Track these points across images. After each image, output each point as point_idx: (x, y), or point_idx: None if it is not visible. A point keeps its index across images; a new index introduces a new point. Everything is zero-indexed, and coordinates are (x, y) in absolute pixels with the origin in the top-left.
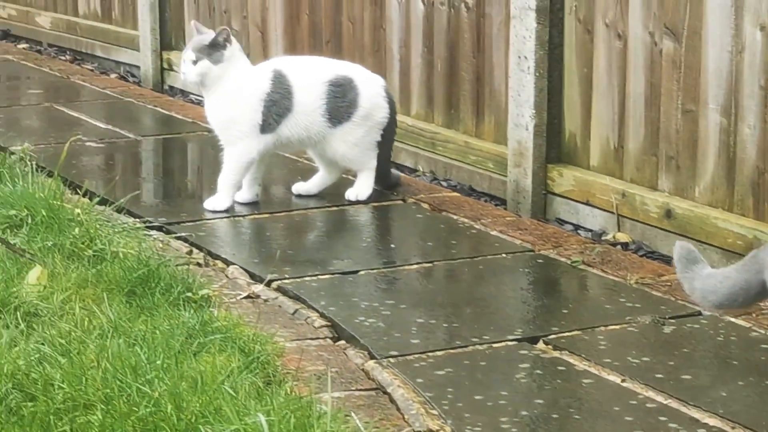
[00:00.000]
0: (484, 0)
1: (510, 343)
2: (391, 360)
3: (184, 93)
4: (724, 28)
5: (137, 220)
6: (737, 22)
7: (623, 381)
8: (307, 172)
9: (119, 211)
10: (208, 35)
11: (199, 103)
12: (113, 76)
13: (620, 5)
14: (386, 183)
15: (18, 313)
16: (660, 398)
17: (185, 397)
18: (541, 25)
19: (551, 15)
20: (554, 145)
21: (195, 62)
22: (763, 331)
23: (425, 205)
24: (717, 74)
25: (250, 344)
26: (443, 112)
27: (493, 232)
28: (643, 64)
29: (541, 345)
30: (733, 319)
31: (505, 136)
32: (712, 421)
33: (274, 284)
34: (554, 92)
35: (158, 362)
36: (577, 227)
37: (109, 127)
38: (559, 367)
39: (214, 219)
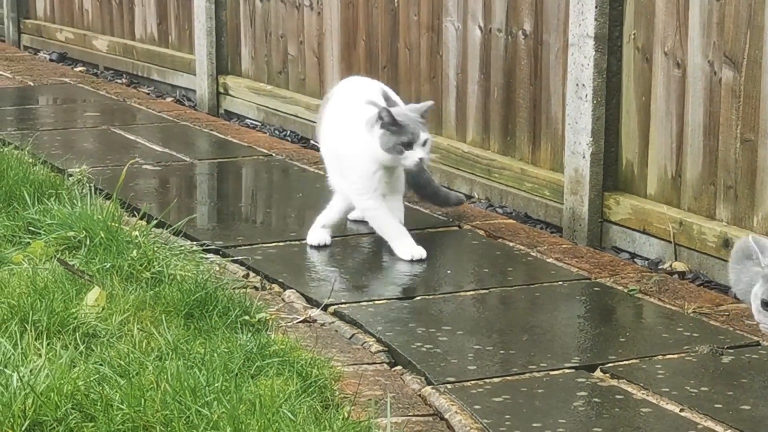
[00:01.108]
0: (542, 27)
1: (567, 370)
2: (448, 386)
3: (240, 117)
4: None
5: (194, 243)
6: None
7: (682, 410)
8: None
9: (176, 234)
10: (413, 110)
11: (255, 128)
12: (169, 99)
13: (679, 34)
14: (438, 201)
15: (77, 334)
16: (720, 428)
17: (244, 419)
18: (599, 53)
19: (610, 43)
20: (611, 173)
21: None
22: None
23: (481, 232)
24: None
25: (307, 368)
26: (499, 139)
27: (549, 260)
28: (701, 93)
29: (598, 373)
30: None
31: (561, 163)
32: None
33: (331, 309)
34: (611, 120)
35: (217, 385)
36: (633, 255)
37: (165, 150)
38: (617, 396)
39: (269, 243)
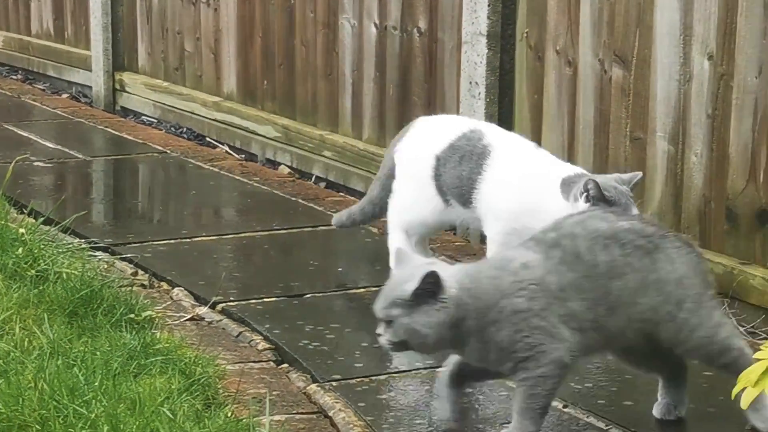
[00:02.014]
0: (436, 25)
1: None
2: (334, 383)
3: (136, 114)
4: (672, 57)
5: (83, 240)
6: (685, 50)
7: (565, 407)
8: (257, 194)
9: (65, 231)
10: (620, 181)
11: (151, 125)
12: (65, 96)
13: (571, 33)
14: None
15: None
16: (601, 424)
17: (122, 418)
18: (492, 51)
19: (503, 41)
20: None
21: None
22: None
23: (374, 230)
24: (665, 102)
25: (191, 366)
26: (395, 136)
27: (441, 258)
28: (592, 91)
29: None
30: None
31: None
32: None
33: (219, 306)
34: (505, 118)
35: (96, 384)
36: None
37: (59, 147)
38: (501, 392)
39: (160, 241)
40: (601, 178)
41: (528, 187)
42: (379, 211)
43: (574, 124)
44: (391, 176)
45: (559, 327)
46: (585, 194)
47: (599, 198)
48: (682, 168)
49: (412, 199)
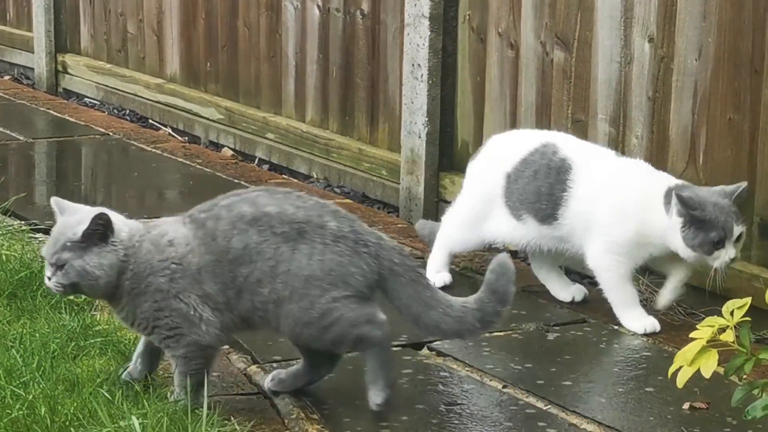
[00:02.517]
0: (379, 7)
1: (395, 348)
2: (274, 365)
3: (79, 96)
4: (613, 40)
5: (23, 222)
6: (626, 33)
7: (504, 387)
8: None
9: (5, 213)
10: (723, 194)
11: (93, 107)
12: (7, 78)
13: (513, 15)
14: None
15: None
16: (540, 404)
17: (60, 399)
18: (434, 33)
19: (445, 23)
20: (447, 153)
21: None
22: (644, 339)
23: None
24: (606, 85)
25: (131, 348)
26: (338, 119)
27: None
28: (534, 73)
29: (425, 351)
30: (616, 327)
31: (399, 143)
32: (591, 427)
33: None
34: (447, 100)
35: (34, 365)
36: None
37: (0, 129)
38: (442, 373)
39: None
40: (703, 191)
41: (631, 202)
42: None
43: (516, 106)
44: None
45: (200, 308)
46: (680, 209)
47: (687, 213)
48: (623, 150)
49: (473, 216)
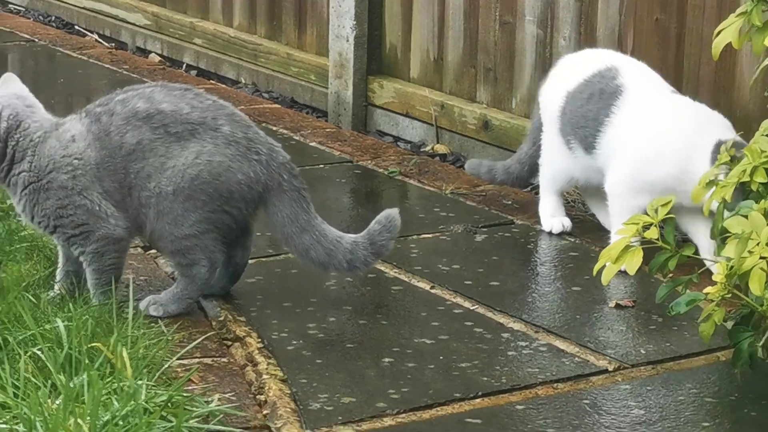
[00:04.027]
0: None
1: None
2: None
3: (3, 3)
4: None
5: None
6: None
7: (432, 287)
8: None
9: None
10: None
11: (18, 13)
12: None
13: None
14: None
15: None
16: (468, 304)
17: None
18: None
19: None
20: (375, 57)
21: None
22: (572, 240)
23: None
24: None
25: (56, 252)
26: (266, 24)
27: (312, 143)
28: None
29: None
30: (543, 228)
31: (327, 47)
32: (517, 326)
33: None
34: (375, 4)
35: None
36: (397, 139)
37: None
38: (370, 275)
39: None
40: None
41: (669, 143)
42: (527, 173)
43: (444, 8)
44: (541, 129)
45: (103, 204)
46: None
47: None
48: (551, 52)
49: (548, 149)
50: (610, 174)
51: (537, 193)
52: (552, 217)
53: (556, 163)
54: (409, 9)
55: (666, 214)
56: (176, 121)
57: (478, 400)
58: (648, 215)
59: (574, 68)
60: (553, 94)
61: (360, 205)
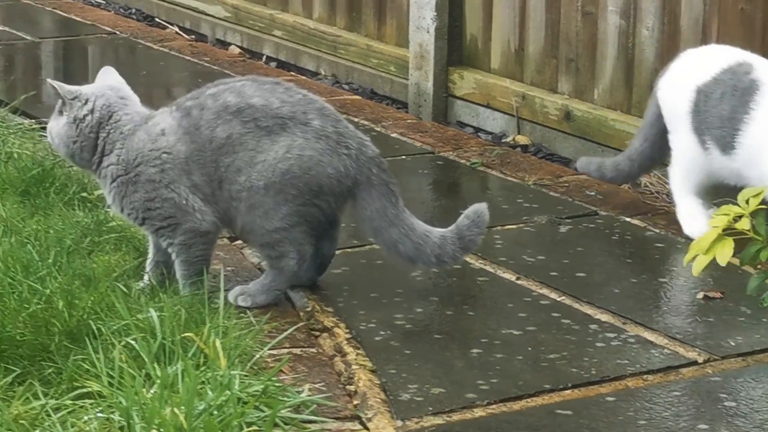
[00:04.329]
0: None
1: None
2: None
3: None
4: None
5: (33, 121)
6: None
7: (518, 279)
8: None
9: (14, 112)
10: None
11: (99, 6)
12: None
13: None
14: None
15: None
16: (554, 295)
17: (77, 294)
18: None
19: None
20: (455, 48)
21: None
22: (657, 231)
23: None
24: None
25: (145, 243)
26: (345, 15)
27: (394, 135)
28: None
29: None
30: (628, 219)
31: (407, 39)
32: (605, 317)
33: None
34: None
35: (50, 260)
36: (477, 130)
37: (7, 29)
38: (456, 266)
39: None
40: None
41: None
42: (638, 170)
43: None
44: (655, 125)
45: (190, 197)
46: None
47: None
48: (634, 42)
49: (679, 149)
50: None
51: (620, 184)
52: (694, 219)
53: (689, 164)
54: (490, 0)
55: (757, 205)
56: (266, 116)
57: (567, 392)
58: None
59: (701, 63)
60: (678, 89)
61: (443, 197)
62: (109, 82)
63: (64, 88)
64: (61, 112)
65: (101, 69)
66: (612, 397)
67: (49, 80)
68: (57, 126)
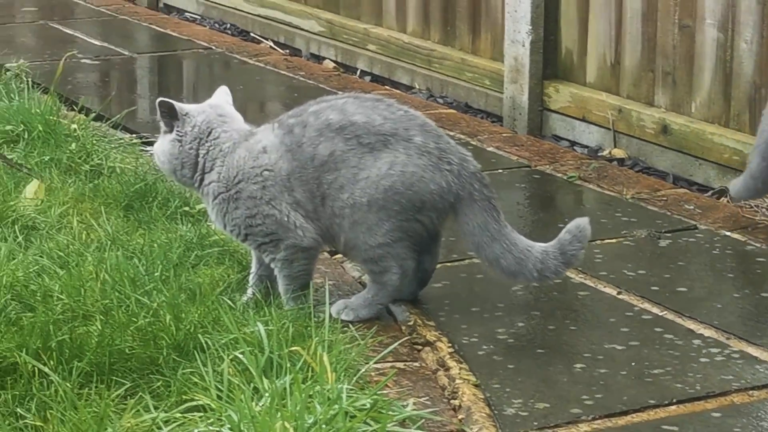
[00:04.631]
0: None
1: None
2: None
3: (179, 11)
4: None
5: (133, 136)
6: None
7: (619, 293)
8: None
9: (115, 127)
10: None
11: (194, 21)
12: None
13: None
14: None
15: (15, 226)
16: (656, 310)
17: (184, 308)
18: None
19: None
20: (551, 62)
21: None
22: (758, 245)
23: None
24: None
25: (247, 257)
26: (440, 29)
27: (489, 148)
28: None
29: None
30: (728, 233)
31: (502, 52)
32: (708, 332)
33: None
34: (551, 8)
35: (156, 274)
36: (573, 143)
37: (105, 44)
38: (556, 280)
39: None
40: None
41: None
42: (762, 187)
43: (622, 13)
44: None
45: (291, 215)
46: None
47: None
48: (732, 55)
49: None
50: None
51: (719, 198)
52: None
53: None
54: (586, 13)
55: None
56: (368, 132)
57: (672, 407)
58: None
59: None
60: None
61: (541, 211)
62: (212, 100)
63: (179, 106)
64: (165, 132)
65: (218, 89)
66: (717, 413)
67: (160, 99)
68: (161, 145)
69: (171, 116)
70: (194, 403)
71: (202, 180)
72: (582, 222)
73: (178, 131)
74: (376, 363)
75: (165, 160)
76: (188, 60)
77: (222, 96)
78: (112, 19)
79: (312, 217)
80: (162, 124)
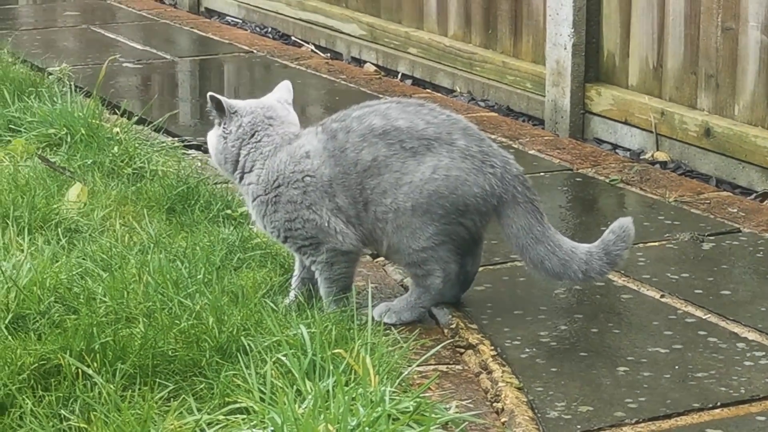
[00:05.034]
0: None
1: None
2: None
3: (220, 15)
4: None
5: (175, 139)
6: None
7: (662, 296)
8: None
9: (157, 130)
10: None
11: (236, 25)
12: None
13: None
14: None
15: (59, 229)
16: (699, 313)
17: (226, 310)
18: None
19: None
20: (592, 64)
21: None
22: None
23: None
24: None
25: (289, 260)
26: (481, 32)
27: (531, 151)
28: None
29: None
30: None
31: (543, 55)
32: (752, 335)
33: None
34: (593, 11)
35: (199, 277)
36: (615, 146)
37: (146, 48)
38: (598, 283)
39: None
40: None
41: None
42: None
43: (665, 15)
44: None
45: (331, 220)
46: None
47: None
48: None
49: None
50: None
51: (762, 201)
52: None
53: None
54: (628, 16)
55: None
56: (411, 137)
57: (717, 411)
58: None
59: None
60: None
61: (584, 214)
62: (269, 97)
63: (227, 102)
64: (218, 124)
65: (280, 83)
66: (762, 416)
67: (210, 93)
68: (212, 136)
69: (219, 111)
70: (237, 405)
71: (242, 178)
72: (625, 222)
73: (224, 128)
74: (418, 366)
75: (212, 152)
76: (229, 64)
77: (283, 92)
78: (153, 23)
79: (354, 222)
80: (214, 115)
